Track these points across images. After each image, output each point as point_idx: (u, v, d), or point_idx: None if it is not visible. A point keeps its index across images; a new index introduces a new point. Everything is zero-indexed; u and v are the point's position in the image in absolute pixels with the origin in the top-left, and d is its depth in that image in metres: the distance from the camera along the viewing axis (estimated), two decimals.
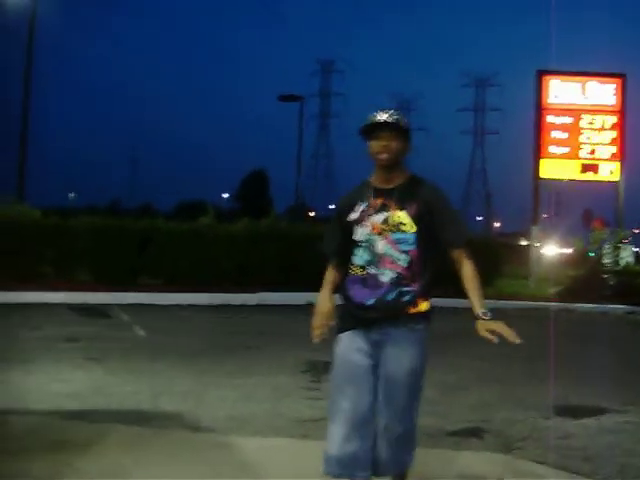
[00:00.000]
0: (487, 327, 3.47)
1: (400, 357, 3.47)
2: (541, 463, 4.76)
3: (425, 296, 3.54)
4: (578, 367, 8.59)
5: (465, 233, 3.69)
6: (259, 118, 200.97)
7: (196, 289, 14.29)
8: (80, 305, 12.31)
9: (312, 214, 72.82)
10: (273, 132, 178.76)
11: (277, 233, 15.82)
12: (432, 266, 3.56)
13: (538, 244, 22.58)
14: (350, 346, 3.53)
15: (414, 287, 3.49)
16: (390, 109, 3.54)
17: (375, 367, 3.49)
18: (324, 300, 3.68)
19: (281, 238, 15.64)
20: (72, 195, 75.59)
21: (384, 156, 3.49)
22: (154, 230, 15.11)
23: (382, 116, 3.47)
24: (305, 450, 4.85)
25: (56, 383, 6.47)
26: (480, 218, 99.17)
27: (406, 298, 3.47)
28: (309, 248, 15.34)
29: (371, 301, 3.48)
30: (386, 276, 3.48)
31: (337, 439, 3.48)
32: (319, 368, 7.68)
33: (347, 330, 3.57)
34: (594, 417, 6.13)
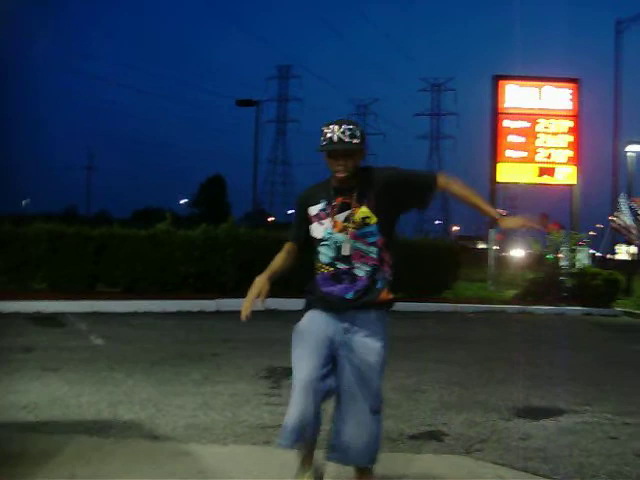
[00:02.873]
0: (508, 222, 3.72)
1: (372, 343, 3.66)
2: (501, 465, 4.81)
3: (390, 283, 3.74)
4: (537, 369, 8.71)
5: (429, 171, 4.00)
6: (218, 123, 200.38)
7: (154, 296, 14.19)
8: (34, 314, 12.14)
9: (271, 219, 72.83)
10: (231, 137, 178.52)
11: (236, 238, 15.77)
12: (394, 252, 3.76)
13: (496, 247, 22.86)
14: (315, 320, 3.69)
15: (385, 274, 3.70)
16: (345, 121, 3.63)
17: (332, 348, 3.63)
18: (261, 278, 3.73)
19: (240, 243, 15.60)
20: (26, 202, 74.40)
21: (341, 174, 3.64)
22: (110, 237, 14.95)
23: (336, 133, 3.56)
24: (267, 456, 4.84)
25: (11, 395, 6.37)
26: (439, 222, 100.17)
27: (378, 285, 3.68)
28: (268, 253, 15.38)
29: (350, 295, 3.65)
30: (361, 270, 3.65)
31: (294, 411, 3.61)
32: (279, 374, 7.68)
33: (313, 309, 3.73)
34: (553, 418, 6.22)
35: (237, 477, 4.38)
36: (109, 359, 8.33)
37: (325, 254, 3.69)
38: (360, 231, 3.65)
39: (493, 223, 3.81)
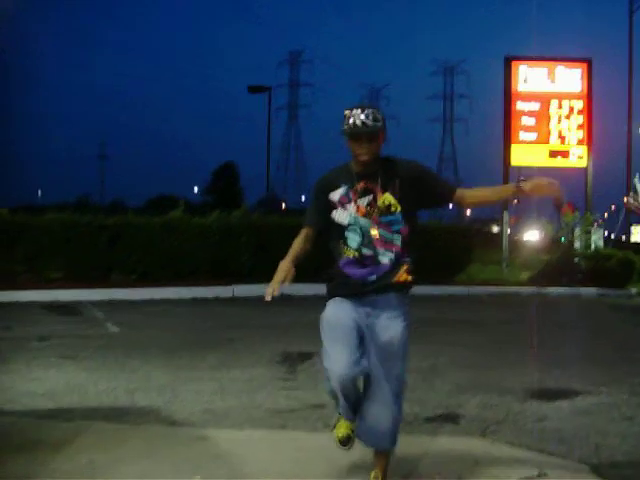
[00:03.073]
0: (529, 185, 3.74)
1: (394, 326, 3.72)
2: (517, 446, 4.82)
3: (410, 268, 3.79)
4: (552, 350, 8.69)
5: (450, 182, 4.09)
6: (230, 110, 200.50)
7: (169, 283, 14.23)
8: (51, 303, 12.22)
9: (285, 205, 72.80)
10: (244, 124, 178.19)
11: (249, 225, 15.79)
12: (417, 241, 3.83)
13: (509, 230, 22.76)
14: (340, 309, 3.72)
15: (407, 260, 3.77)
16: (367, 106, 3.69)
17: (360, 331, 3.69)
18: (285, 262, 3.74)
19: (254, 230, 15.61)
20: (41, 192, 74.75)
21: (365, 157, 3.69)
22: (125, 225, 14.99)
23: (360, 117, 3.62)
24: (283, 441, 4.88)
25: (30, 382, 6.43)
26: (451, 206, 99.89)
27: (403, 269, 3.75)
28: (282, 239, 15.39)
29: (373, 277, 3.72)
30: (384, 257, 3.72)
31: (340, 401, 3.78)
32: (294, 359, 7.70)
33: (337, 296, 3.76)
34: (568, 399, 6.21)
35: (253, 461, 4.40)
36: (125, 346, 8.38)
37: (352, 239, 3.73)
38: (384, 218, 3.71)
39: (517, 194, 3.81)
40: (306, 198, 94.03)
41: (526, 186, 3.74)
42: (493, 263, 21.29)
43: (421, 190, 3.76)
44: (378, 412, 3.73)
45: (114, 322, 10.23)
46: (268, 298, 3.67)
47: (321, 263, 3.92)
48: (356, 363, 3.61)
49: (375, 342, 3.70)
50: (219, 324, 10.67)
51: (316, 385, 6.31)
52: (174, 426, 5.16)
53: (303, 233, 3.87)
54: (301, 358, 7.74)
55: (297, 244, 3.85)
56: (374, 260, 3.71)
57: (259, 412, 5.59)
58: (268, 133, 32.47)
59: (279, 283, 3.67)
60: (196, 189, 76.89)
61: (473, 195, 3.87)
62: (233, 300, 13.75)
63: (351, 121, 3.63)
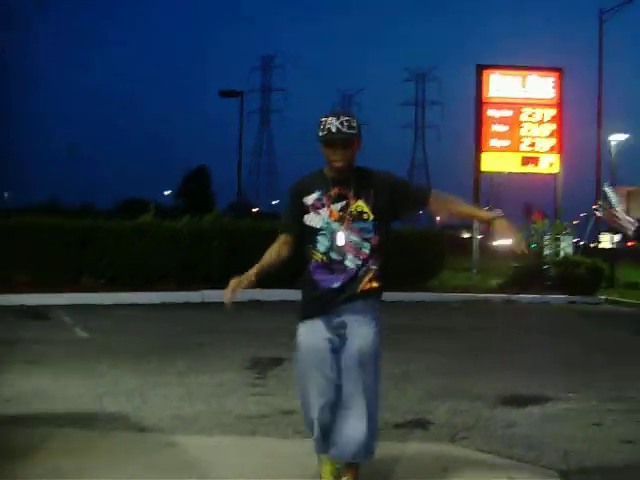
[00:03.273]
0: (504, 226, 3.77)
1: (363, 332, 3.71)
2: (486, 452, 4.84)
3: (376, 276, 3.82)
4: (523, 357, 8.75)
5: (423, 187, 4.11)
6: (202, 114, 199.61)
7: (139, 288, 14.13)
8: (18, 307, 12.06)
9: (256, 210, 72.70)
10: (215, 129, 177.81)
11: (221, 229, 15.73)
12: (385, 252, 3.85)
13: (481, 236, 22.89)
14: (313, 333, 3.73)
15: (372, 268, 3.79)
16: (342, 113, 3.74)
17: (337, 351, 3.70)
18: (247, 274, 3.80)
19: (225, 234, 15.55)
20: (7, 195, 73.74)
21: (339, 164, 3.74)
22: (95, 229, 14.87)
23: (335, 124, 3.66)
24: (253, 447, 4.85)
25: None
26: (422, 212, 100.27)
27: (368, 276, 3.77)
28: (254, 243, 15.34)
29: (337, 284, 3.74)
30: (351, 262, 3.75)
31: (316, 428, 3.78)
32: (265, 364, 7.68)
33: (309, 318, 3.78)
34: (539, 405, 6.25)
35: (223, 468, 4.37)
36: (94, 351, 8.30)
37: (322, 243, 3.77)
38: (356, 224, 3.76)
39: (488, 224, 3.83)
40: (278, 203, 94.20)
41: (499, 225, 3.77)
42: (464, 269, 21.43)
43: (395, 199, 3.80)
44: (352, 425, 3.70)
45: (83, 327, 10.12)
46: (227, 306, 3.76)
47: (297, 269, 3.92)
48: (333, 392, 3.69)
49: (346, 350, 3.70)
50: (189, 329, 10.62)
51: (287, 390, 6.29)
52: (143, 432, 5.10)
53: (280, 240, 3.90)
54: (272, 363, 7.71)
55: (269, 253, 3.87)
56: (341, 265, 3.74)
57: (229, 418, 5.55)
58: (240, 137, 32.40)
59: (230, 292, 3.74)
60: (167, 193, 76.51)
61: (448, 202, 3.92)
62: (203, 305, 13.68)
63: (326, 128, 3.67)
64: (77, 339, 9.34)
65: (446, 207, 3.96)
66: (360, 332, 3.71)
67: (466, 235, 43.72)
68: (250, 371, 7.41)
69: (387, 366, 7.40)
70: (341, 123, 3.66)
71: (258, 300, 13.16)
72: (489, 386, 6.94)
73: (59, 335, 9.55)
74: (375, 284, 3.80)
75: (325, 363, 3.68)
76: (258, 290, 12.99)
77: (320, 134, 3.70)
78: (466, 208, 4.00)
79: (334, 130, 3.65)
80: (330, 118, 3.68)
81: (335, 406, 3.74)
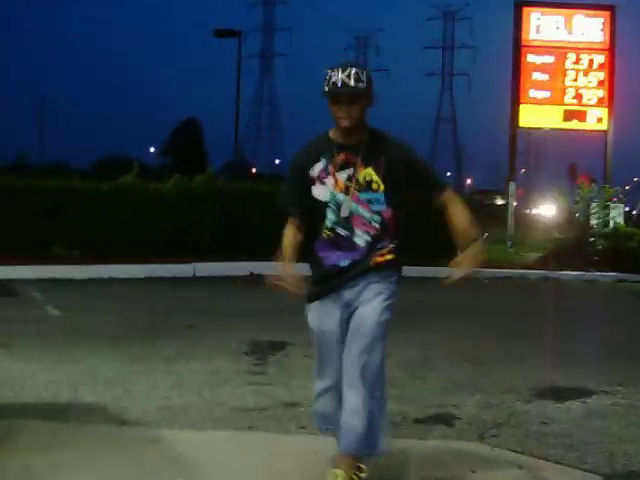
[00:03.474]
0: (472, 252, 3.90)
1: (373, 303, 3.81)
2: (520, 452, 4.87)
3: (398, 252, 3.90)
4: (563, 344, 8.75)
5: (441, 179, 4.15)
6: (193, 59, 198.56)
7: (119, 260, 14.14)
8: None
9: (254, 170, 72.63)
10: (209, 76, 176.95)
11: (214, 192, 15.73)
12: (403, 226, 3.92)
13: (516, 203, 22.84)
14: (323, 316, 3.87)
15: (387, 244, 3.86)
16: (351, 65, 3.78)
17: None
18: (287, 271, 3.87)
19: (219, 198, 15.56)
20: None
21: (345, 123, 3.78)
22: (69, 191, 14.89)
23: (341, 77, 3.71)
24: (251, 444, 4.89)
25: None
26: (449, 174, 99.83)
27: (380, 252, 3.84)
28: (252, 209, 15.36)
29: (345, 262, 3.83)
30: (360, 238, 3.82)
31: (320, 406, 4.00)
32: (265, 349, 7.73)
33: (317, 298, 3.90)
34: (579, 400, 6.28)
35: (216, 467, 4.42)
36: (69, 333, 8.36)
37: (328, 217, 3.84)
38: (364, 195, 3.81)
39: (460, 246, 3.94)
40: (280, 161, 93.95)
41: (463, 260, 3.92)
42: (496, 242, 21.39)
43: (406, 177, 3.86)
44: (350, 409, 3.78)
45: (55, 305, 10.19)
46: (278, 285, 3.84)
47: (308, 243, 3.97)
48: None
49: (351, 322, 3.83)
50: (178, 308, 10.66)
51: (290, 380, 6.35)
52: (124, 426, 5.16)
53: (291, 225, 3.97)
54: (272, 348, 7.76)
55: (289, 235, 3.96)
56: (349, 242, 3.81)
57: (223, 410, 5.60)
58: (237, 85, 32.25)
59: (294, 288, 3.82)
60: (152, 150, 76.39)
61: (460, 211, 3.99)
62: (194, 280, 13.74)
63: (331, 81, 3.72)
64: (49, 318, 9.40)
65: (447, 214, 3.99)
66: (369, 304, 3.81)
67: (500, 202, 43.69)
68: (248, 357, 7.46)
69: (404, 351, 7.48)
70: (348, 75, 3.70)
71: (258, 274, 13.19)
72: (522, 376, 6.98)
73: (28, 314, 9.61)
74: (390, 256, 3.86)
75: (333, 349, 3.83)
76: (256, 263, 13.02)
77: (325, 88, 3.74)
78: (459, 228, 3.97)
79: (339, 84, 3.70)
80: (336, 70, 3.73)
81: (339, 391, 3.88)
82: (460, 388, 6.49)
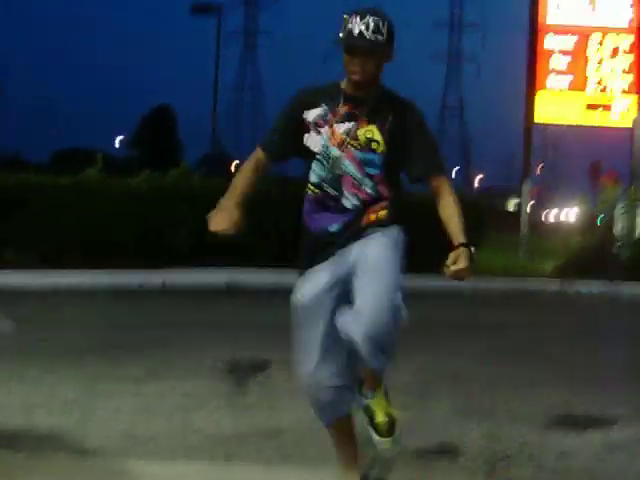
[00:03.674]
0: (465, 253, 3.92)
1: (370, 244, 3.84)
2: None
3: (394, 210, 3.95)
4: (582, 366, 8.77)
5: (442, 162, 4.14)
6: (166, 38, 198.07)
7: (80, 266, 14.14)
8: None
9: (237, 163, 72.54)
10: (184, 57, 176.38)
11: (190, 190, 15.74)
12: (399, 195, 3.99)
13: (531, 204, 22.87)
14: (310, 285, 3.92)
15: (381, 203, 3.91)
16: (371, 12, 3.81)
17: (338, 289, 3.90)
18: (227, 203, 4.01)
19: (195, 196, 15.56)
20: None
21: (357, 77, 3.82)
22: (22, 186, 14.89)
23: (358, 27, 3.74)
24: (228, 476, 4.90)
25: None
26: (456, 169, 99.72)
27: (373, 209, 3.89)
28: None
29: (334, 227, 3.88)
30: (348, 201, 3.86)
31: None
32: (244, 368, 7.73)
33: (306, 268, 3.95)
34: (601, 430, 6.29)
35: None
36: (21, 349, 8.34)
37: (315, 172, 3.89)
38: (361, 154, 3.84)
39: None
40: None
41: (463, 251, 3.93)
42: (508, 248, 21.41)
43: (407, 143, 3.90)
44: (367, 308, 3.77)
45: (6, 317, 10.16)
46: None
47: (281, 249, 4.02)
48: (336, 374, 3.95)
49: (355, 269, 3.81)
50: (147, 321, 10.66)
51: (272, 403, 6.36)
52: (85, 455, 5.16)
53: (252, 158, 4.03)
54: (253, 367, 7.76)
55: (243, 175, 4.03)
56: (337, 203, 3.86)
57: (197, 438, 5.61)
58: (216, 67, 32.35)
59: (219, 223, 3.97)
60: (118, 140, 76.20)
61: (443, 203, 4.04)
62: (165, 290, 13.72)
63: (347, 29, 3.76)
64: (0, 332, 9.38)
65: (438, 206, 4.06)
66: (371, 244, 3.84)
67: (513, 204, 43.76)
68: (225, 377, 7.46)
69: (402, 373, 7.48)
70: (366, 25, 3.73)
71: (235, 284, 13.19)
72: (537, 403, 6.99)
73: None
74: (384, 213, 3.91)
75: (324, 318, 3.89)
76: (233, 271, 13.00)
77: (339, 37, 3.80)
78: (458, 224, 4.06)
79: (355, 33, 3.74)
80: (354, 17, 3.76)
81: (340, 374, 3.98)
82: (466, 416, 6.50)
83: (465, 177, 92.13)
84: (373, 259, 3.79)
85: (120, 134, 76.74)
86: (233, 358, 8.17)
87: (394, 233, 3.93)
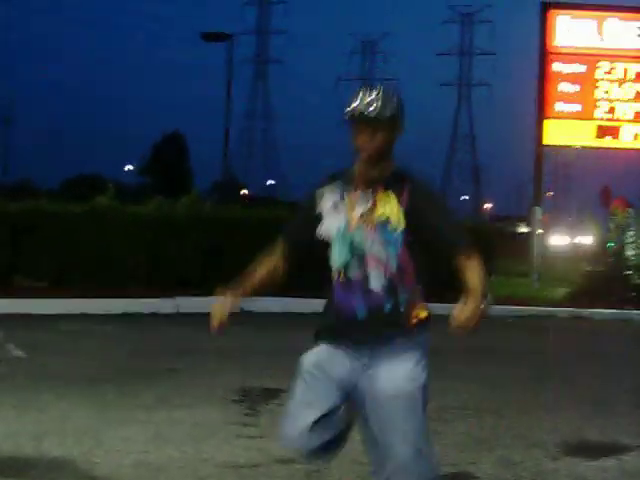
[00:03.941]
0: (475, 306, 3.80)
1: (395, 370, 3.69)
2: None
3: (420, 302, 3.81)
4: (595, 392, 8.74)
5: (465, 235, 3.98)
6: (177, 66, 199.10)
7: (92, 293, 14.14)
8: None
9: (245, 192, 72.77)
10: (195, 85, 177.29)
11: (199, 218, 15.76)
12: (424, 270, 3.85)
13: (541, 231, 22.84)
14: (325, 357, 3.79)
15: (407, 294, 3.76)
16: (378, 89, 3.75)
17: (346, 388, 3.74)
18: (221, 301, 4.02)
19: (206, 224, 15.60)
20: None
21: (363, 154, 3.76)
22: (34, 214, 14.91)
23: (361, 102, 3.70)
24: None
25: None
26: (466, 197, 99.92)
27: (402, 309, 3.73)
28: (244, 237, 15.37)
29: (363, 313, 3.72)
30: (377, 281, 3.72)
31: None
32: (256, 397, 7.71)
33: (324, 339, 3.83)
34: (614, 457, 6.25)
35: None
36: (33, 376, 8.33)
37: (338, 254, 3.78)
38: (380, 233, 3.74)
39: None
40: (276, 181, 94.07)
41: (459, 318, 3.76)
42: (520, 275, 21.38)
43: (423, 222, 3.77)
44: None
45: (18, 344, 10.16)
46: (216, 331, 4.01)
47: (292, 274, 3.95)
48: (316, 435, 3.77)
49: (376, 398, 3.68)
50: (158, 348, 10.64)
51: None
52: None
53: (278, 246, 3.95)
54: (265, 396, 7.74)
55: (263, 266, 3.95)
56: (363, 285, 3.73)
57: (208, 467, 5.58)
58: (228, 95, 32.44)
59: (217, 322, 4.05)
60: (130, 168, 76.50)
61: (466, 272, 3.87)
62: (177, 316, 13.71)
63: (353, 104, 3.71)
64: (10, 359, 9.37)
65: (459, 271, 3.87)
66: (396, 370, 3.70)
67: (523, 229, 43.75)
68: (237, 405, 7.44)
69: None
70: (371, 101, 3.68)
71: (248, 311, 13.15)
72: (550, 429, 6.95)
73: None
74: (423, 314, 3.79)
75: (329, 397, 3.75)
76: (248, 298, 12.93)
77: (345, 112, 3.74)
78: (472, 283, 3.87)
79: (360, 108, 3.69)
80: (361, 92, 3.72)
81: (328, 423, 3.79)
82: (478, 443, 6.46)
83: (475, 205, 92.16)
84: (393, 407, 3.67)
85: (131, 162, 77.20)
86: (244, 385, 8.14)
87: (421, 351, 3.80)
